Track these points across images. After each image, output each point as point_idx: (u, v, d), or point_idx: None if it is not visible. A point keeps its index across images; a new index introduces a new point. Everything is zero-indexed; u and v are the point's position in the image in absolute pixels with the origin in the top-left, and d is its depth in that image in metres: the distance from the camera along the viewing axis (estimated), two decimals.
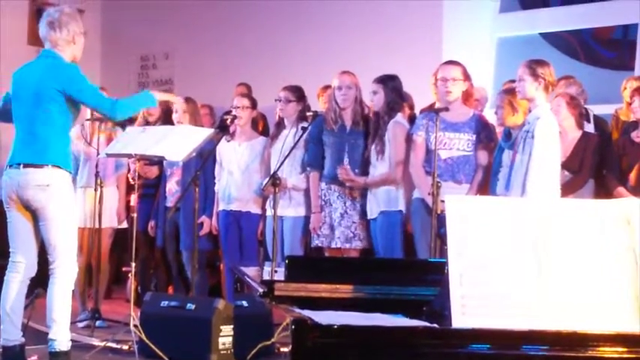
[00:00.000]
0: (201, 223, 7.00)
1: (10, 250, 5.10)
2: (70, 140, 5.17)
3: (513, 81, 5.70)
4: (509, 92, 5.87)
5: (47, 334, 5.00)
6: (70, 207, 5.09)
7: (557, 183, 5.34)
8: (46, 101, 4.93)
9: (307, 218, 6.58)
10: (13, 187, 4.99)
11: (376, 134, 6.28)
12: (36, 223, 5.03)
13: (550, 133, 5.27)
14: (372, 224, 6.32)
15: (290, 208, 6.66)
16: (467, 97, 6.11)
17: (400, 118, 6.35)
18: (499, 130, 6.13)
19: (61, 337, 4.95)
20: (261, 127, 7.48)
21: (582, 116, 6.27)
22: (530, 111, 5.49)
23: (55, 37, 5.03)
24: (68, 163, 5.05)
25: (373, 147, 6.29)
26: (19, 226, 5.07)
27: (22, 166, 4.97)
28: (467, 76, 6.07)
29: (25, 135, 5.00)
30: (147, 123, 7.40)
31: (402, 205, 6.20)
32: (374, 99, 6.31)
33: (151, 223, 7.37)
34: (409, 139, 6.19)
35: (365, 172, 6.35)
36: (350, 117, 6.47)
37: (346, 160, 6.40)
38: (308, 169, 6.61)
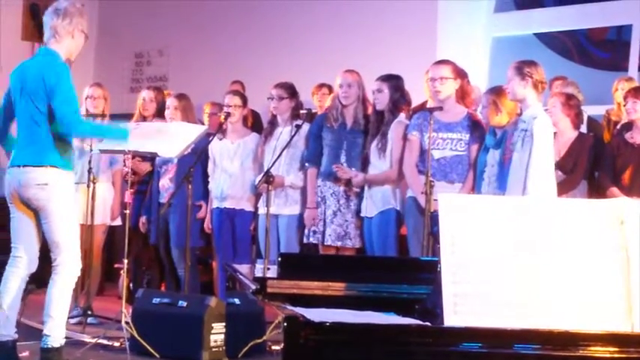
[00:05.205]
0: (199, 206, 7.00)
1: (12, 245, 5.11)
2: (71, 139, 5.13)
3: None
4: (493, 92, 5.87)
5: (39, 330, 4.99)
6: (71, 205, 5.08)
7: (554, 182, 5.34)
8: (38, 102, 4.91)
9: (302, 216, 6.57)
10: (14, 185, 5.00)
11: (378, 132, 6.27)
12: (38, 220, 5.02)
13: (548, 132, 5.28)
14: (366, 223, 6.32)
15: (286, 207, 6.66)
16: (462, 95, 6.08)
17: (403, 117, 6.35)
18: None
19: (56, 334, 4.93)
20: (250, 123, 7.46)
21: (579, 117, 6.25)
22: (520, 111, 5.49)
23: (56, 24, 4.99)
24: (68, 164, 5.03)
25: (374, 145, 6.28)
26: (21, 222, 5.07)
27: (22, 166, 4.97)
28: (458, 74, 6.04)
29: (25, 137, 5.00)
30: (143, 119, 7.38)
31: (398, 204, 6.20)
32: (378, 97, 6.28)
33: (142, 219, 7.36)
34: (405, 139, 6.19)
35: (364, 170, 6.33)
36: (352, 115, 6.46)
37: (343, 158, 6.38)
38: (307, 164, 6.60)
